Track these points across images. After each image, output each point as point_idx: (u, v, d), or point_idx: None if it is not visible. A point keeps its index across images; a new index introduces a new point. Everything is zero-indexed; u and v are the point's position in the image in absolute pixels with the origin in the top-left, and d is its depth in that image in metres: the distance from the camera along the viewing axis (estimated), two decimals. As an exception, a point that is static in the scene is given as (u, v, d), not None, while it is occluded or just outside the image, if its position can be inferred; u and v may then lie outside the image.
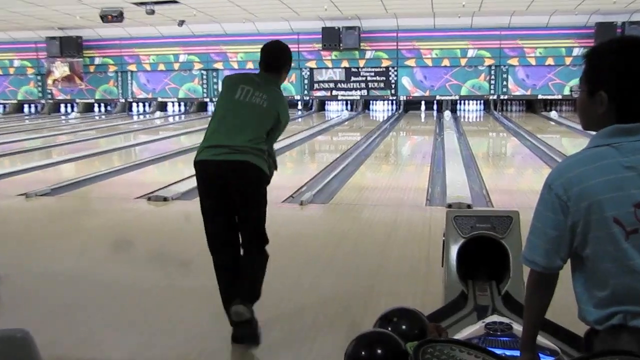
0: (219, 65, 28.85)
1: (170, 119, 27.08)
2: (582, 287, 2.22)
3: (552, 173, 2.20)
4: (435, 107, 27.49)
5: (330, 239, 7.28)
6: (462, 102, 27.53)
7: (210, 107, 29.44)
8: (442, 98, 27.33)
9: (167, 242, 7.40)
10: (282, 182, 8.93)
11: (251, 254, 4.40)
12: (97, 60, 30.24)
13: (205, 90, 29.44)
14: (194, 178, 4.49)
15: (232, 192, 4.31)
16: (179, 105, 30.08)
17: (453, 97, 27.32)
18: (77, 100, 30.97)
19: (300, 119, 25.01)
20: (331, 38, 27.05)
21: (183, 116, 28.52)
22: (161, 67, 29.50)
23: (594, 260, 2.15)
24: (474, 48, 26.69)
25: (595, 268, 2.16)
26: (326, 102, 28.67)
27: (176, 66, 29.27)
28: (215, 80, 29.23)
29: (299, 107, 28.67)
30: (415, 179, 11.25)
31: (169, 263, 6.63)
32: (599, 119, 2.20)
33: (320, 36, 27.11)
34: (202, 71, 29.15)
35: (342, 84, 28.04)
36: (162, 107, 30.23)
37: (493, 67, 26.78)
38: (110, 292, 5.58)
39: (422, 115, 26.95)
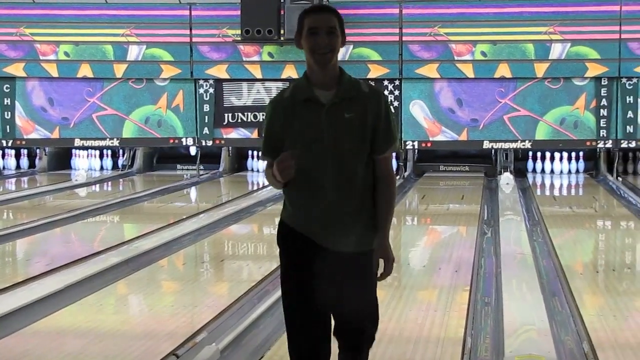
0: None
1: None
2: None
3: None
4: (481, 166, 16.62)
5: None
6: (539, 155, 16.66)
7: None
8: (497, 146, 16.01)
9: None
10: (153, 325, 6.24)
11: None
12: None
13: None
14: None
15: None
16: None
17: (519, 145, 15.97)
18: None
19: (187, 191, 15.04)
20: (260, 16, 14.78)
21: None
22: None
23: None
24: (564, 40, 15.18)
25: None
26: (249, 151, 16.78)
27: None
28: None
29: (195, 164, 16.00)
30: (439, 319, 7.13)
31: None
32: None
33: (239, 12, 14.90)
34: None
35: None
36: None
37: (605, 82, 15.53)
38: None
39: (454, 182, 16.00)
